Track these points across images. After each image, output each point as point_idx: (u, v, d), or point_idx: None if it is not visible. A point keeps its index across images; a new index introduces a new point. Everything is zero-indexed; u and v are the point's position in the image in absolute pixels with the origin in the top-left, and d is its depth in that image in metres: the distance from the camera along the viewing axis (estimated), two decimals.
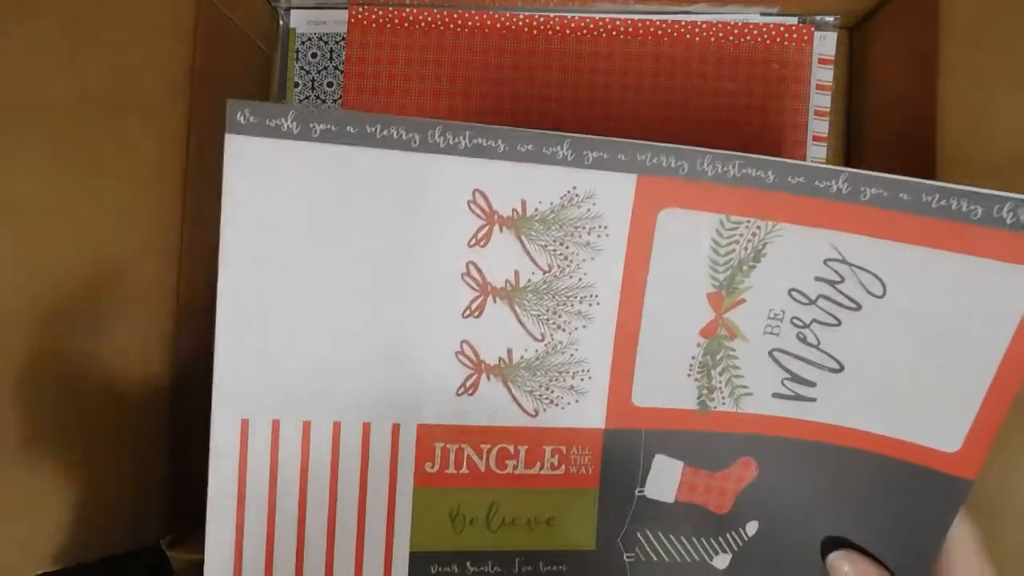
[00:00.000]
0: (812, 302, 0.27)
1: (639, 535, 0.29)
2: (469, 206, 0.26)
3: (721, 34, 0.39)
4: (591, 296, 0.27)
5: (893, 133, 0.37)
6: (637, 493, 0.29)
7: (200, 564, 0.33)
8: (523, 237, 0.26)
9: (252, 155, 0.24)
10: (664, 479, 0.29)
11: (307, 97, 0.41)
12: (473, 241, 0.26)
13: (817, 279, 0.26)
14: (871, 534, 0.28)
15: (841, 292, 0.26)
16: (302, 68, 0.41)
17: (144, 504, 0.32)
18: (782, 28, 0.39)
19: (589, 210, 0.26)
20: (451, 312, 0.27)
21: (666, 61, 0.39)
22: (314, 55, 0.41)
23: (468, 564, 0.28)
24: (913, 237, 0.25)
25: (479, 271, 0.26)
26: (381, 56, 0.40)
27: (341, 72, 0.41)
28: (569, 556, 0.29)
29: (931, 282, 0.26)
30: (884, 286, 0.26)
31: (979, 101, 0.32)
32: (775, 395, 0.28)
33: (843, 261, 0.26)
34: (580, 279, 0.27)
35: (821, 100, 0.40)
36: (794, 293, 0.27)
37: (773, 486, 0.28)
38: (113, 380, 0.31)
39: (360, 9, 0.40)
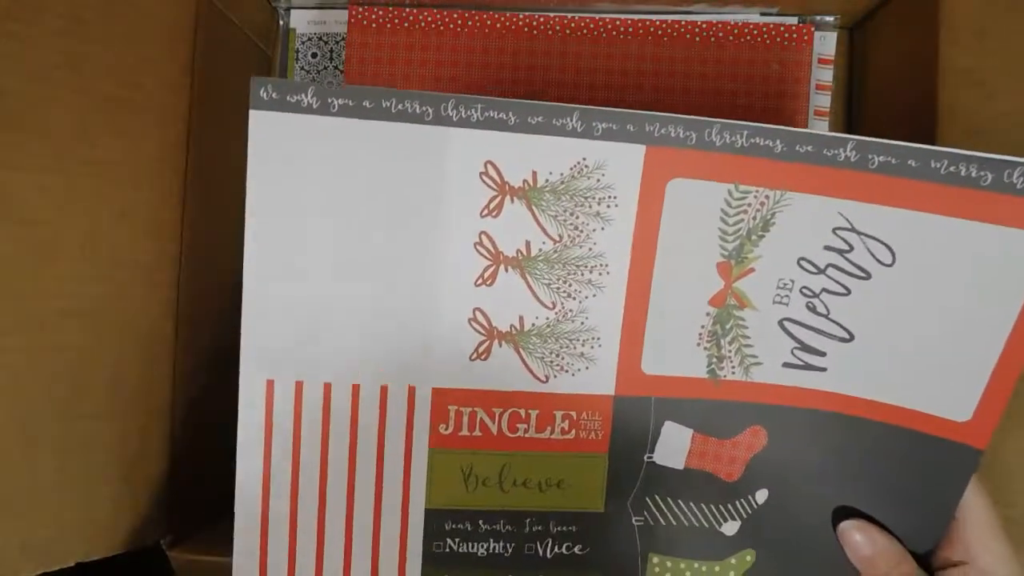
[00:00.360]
0: (821, 271, 0.27)
1: (647, 499, 0.29)
2: (481, 177, 0.26)
3: (721, 34, 0.39)
4: (601, 265, 0.27)
5: (893, 133, 0.37)
6: (646, 459, 0.29)
7: (201, 564, 0.33)
8: (534, 207, 0.27)
9: (274, 129, 0.25)
10: (673, 446, 0.29)
11: None
12: (485, 211, 0.27)
13: (826, 248, 0.27)
14: (881, 503, 0.28)
15: (850, 261, 0.27)
16: (302, 68, 0.41)
17: (144, 504, 0.32)
18: (782, 28, 0.39)
19: (599, 180, 0.27)
20: (464, 280, 0.27)
21: (666, 61, 0.39)
22: (314, 55, 0.41)
23: (480, 522, 0.29)
24: (922, 204, 0.25)
25: (491, 240, 0.27)
26: (381, 56, 0.40)
27: (341, 72, 0.41)
28: (579, 517, 0.29)
29: (941, 249, 0.26)
30: (893, 254, 0.26)
31: (979, 101, 0.32)
32: (785, 364, 0.28)
33: (852, 230, 0.26)
34: (590, 248, 0.27)
35: (821, 100, 0.40)
36: (803, 262, 0.27)
37: (783, 455, 0.29)
38: (113, 380, 0.31)
39: (360, 9, 0.40)
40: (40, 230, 0.28)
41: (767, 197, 0.26)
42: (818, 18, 0.40)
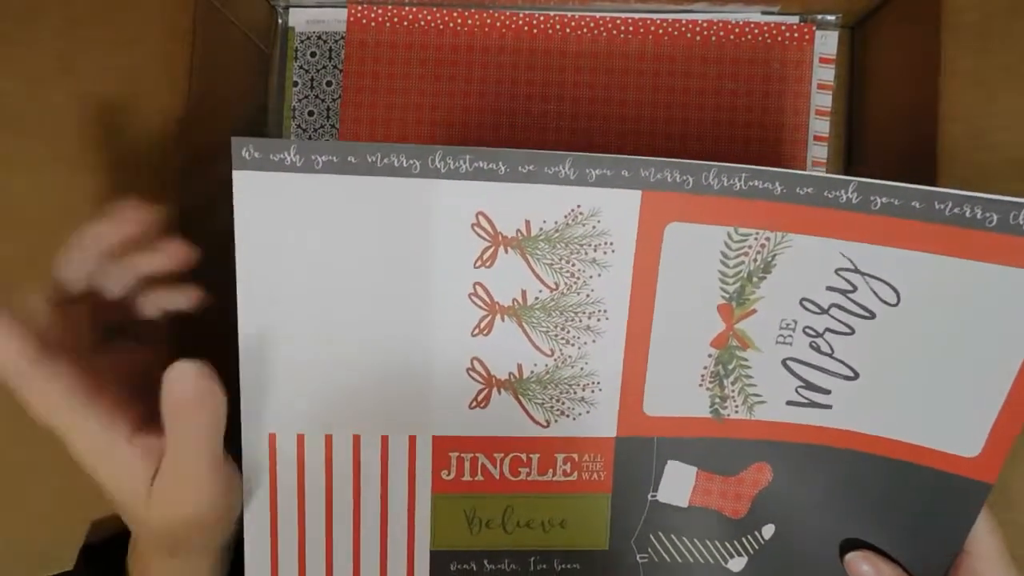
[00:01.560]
0: (825, 311, 0.27)
1: (652, 537, 0.29)
2: (473, 228, 0.26)
3: (722, 33, 0.39)
4: (600, 311, 0.27)
5: (894, 133, 0.37)
6: (650, 497, 0.29)
7: None
8: (529, 256, 0.27)
9: (260, 189, 0.25)
10: (677, 484, 0.29)
11: (306, 96, 0.41)
12: (479, 262, 0.27)
13: (829, 288, 0.27)
14: (889, 537, 0.28)
15: (854, 301, 0.26)
16: (301, 67, 0.41)
17: None
18: (783, 27, 0.39)
19: (594, 227, 0.26)
20: (461, 331, 0.27)
21: (666, 60, 0.39)
22: (313, 54, 0.41)
23: (485, 562, 0.29)
24: (926, 245, 0.25)
25: (486, 291, 0.27)
26: (380, 55, 0.39)
27: (340, 71, 0.41)
28: (582, 555, 0.29)
29: (946, 289, 0.26)
30: (898, 294, 0.26)
31: (980, 101, 0.32)
32: (789, 403, 0.28)
33: (855, 270, 0.26)
34: (588, 295, 0.27)
35: (822, 99, 0.40)
36: (806, 303, 0.27)
37: (789, 490, 0.29)
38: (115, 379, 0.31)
39: (359, 8, 0.39)
40: (38, 231, 0.28)
41: (768, 239, 0.26)
42: (819, 17, 0.40)
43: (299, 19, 0.41)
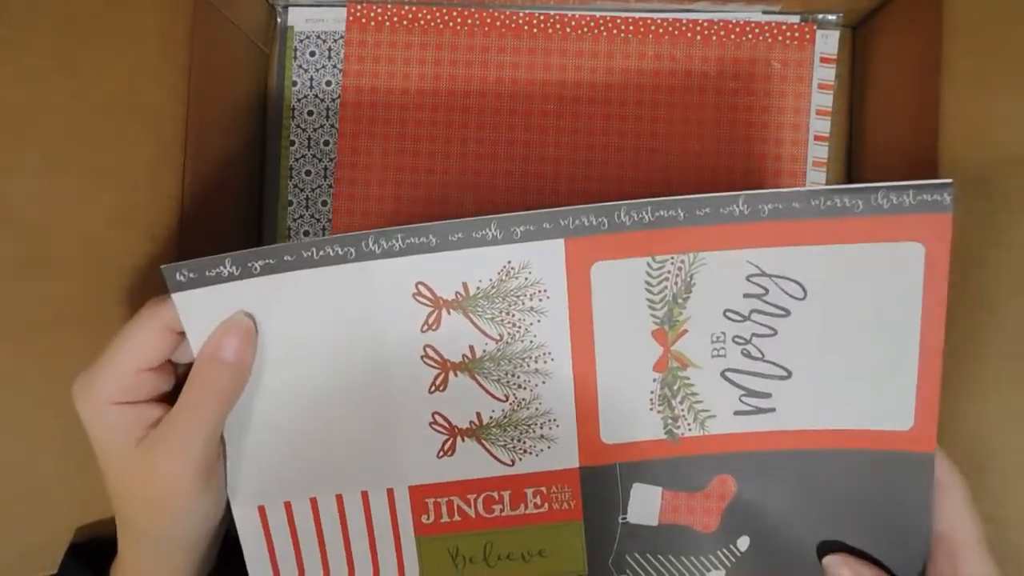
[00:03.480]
0: (747, 318, 0.28)
1: (628, 557, 0.31)
2: (415, 298, 0.28)
3: (722, 32, 0.39)
4: (544, 354, 0.29)
5: (895, 133, 0.37)
6: (620, 520, 0.30)
7: None
8: (471, 315, 0.28)
9: (202, 304, 0.26)
10: (645, 505, 0.30)
11: (305, 96, 0.41)
12: (425, 327, 0.28)
13: (746, 296, 0.28)
14: (858, 529, 0.29)
15: (768, 303, 0.28)
16: (300, 67, 0.41)
17: None
18: (784, 27, 0.39)
19: (527, 278, 0.28)
20: (419, 391, 0.29)
21: (667, 60, 0.39)
22: (312, 53, 0.41)
23: None
24: (814, 238, 0.27)
25: (436, 351, 0.29)
26: (380, 54, 0.39)
27: (340, 71, 0.40)
28: None
29: (840, 275, 0.28)
30: (804, 288, 0.28)
31: (981, 101, 0.32)
32: (736, 412, 0.29)
33: (763, 274, 0.28)
34: (531, 341, 0.29)
35: (823, 99, 0.40)
36: (729, 313, 0.29)
37: (756, 499, 0.30)
38: None
39: (359, 7, 0.39)
40: (36, 234, 0.28)
41: (683, 261, 0.28)
42: (820, 17, 0.39)
43: (298, 18, 0.41)
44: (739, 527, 0.30)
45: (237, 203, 0.40)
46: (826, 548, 0.29)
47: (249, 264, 0.26)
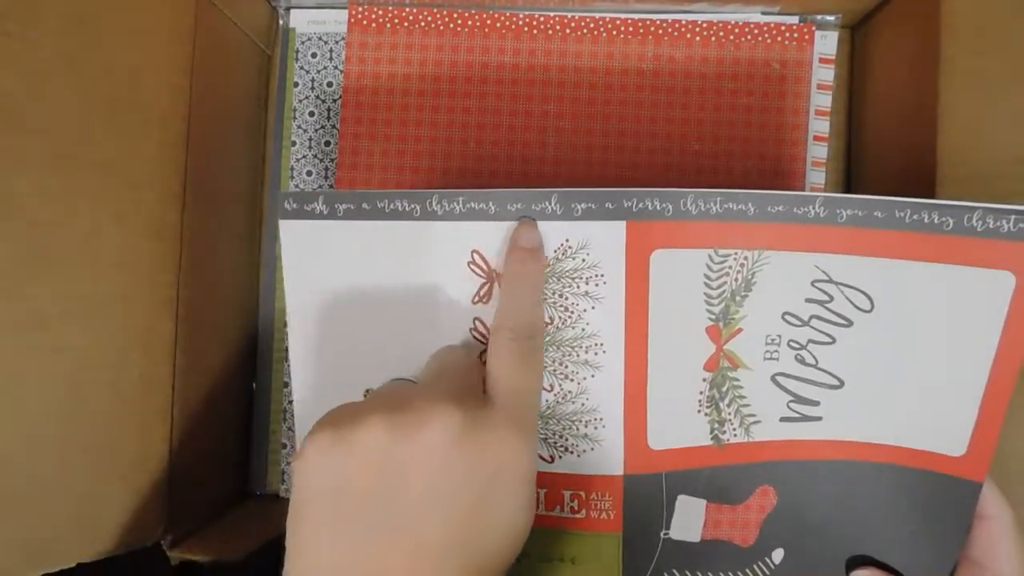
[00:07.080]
0: (805, 323, 0.27)
1: (666, 574, 0.29)
2: (470, 266, 0.27)
3: (722, 33, 0.39)
4: (596, 344, 0.28)
5: (894, 133, 0.37)
6: (663, 535, 0.29)
7: (200, 564, 0.33)
8: None
9: (298, 234, 0.28)
10: (689, 519, 0.29)
11: (307, 97, 0.41)
12: (476, 299, 0.28)
13: (808, 300, 0.27)
14: (891, 545, 0.28)
15: (831, 311, 0.27)
16: (302, 68, 0.41)
17: (144, 504, 0.32)
18: (783, 27, 0.39)
19: (584, 260, 0.27)
20: None
21: (666, 60, 0.39)
22: (314, 55, 0.41)
23: None
24: (892, 251, 0.26)
25: (485, 327, 0.28)
26: (381, 56, 0.39)
27: (341, 72, 0.41)
28: None
29: (915, 292, 0.26)
30: (871, 300, 0.27)
31: (980, 101, 0.32)
32: (783, 419, 0.28)
33: (829, 280, 0.27)
34: (583, 328, 0.28)
35: (822, 99, 0.40)
36: (787, 317, 0.27)
37: (794, 511, 0.29)
38: (113, 381, 0.31)
39: (360, 8, 0.39)
40: (40, 231, 0.28)
41: (746, 258, 0.27)
42: (819, 17, 0.40)
43: (300, 20, 0.41)
44: (775, 539, 0.29)
45: (239, 202, 0.40)
46: (855, 563, 0.29)
47: (336, 205, 0.27)
